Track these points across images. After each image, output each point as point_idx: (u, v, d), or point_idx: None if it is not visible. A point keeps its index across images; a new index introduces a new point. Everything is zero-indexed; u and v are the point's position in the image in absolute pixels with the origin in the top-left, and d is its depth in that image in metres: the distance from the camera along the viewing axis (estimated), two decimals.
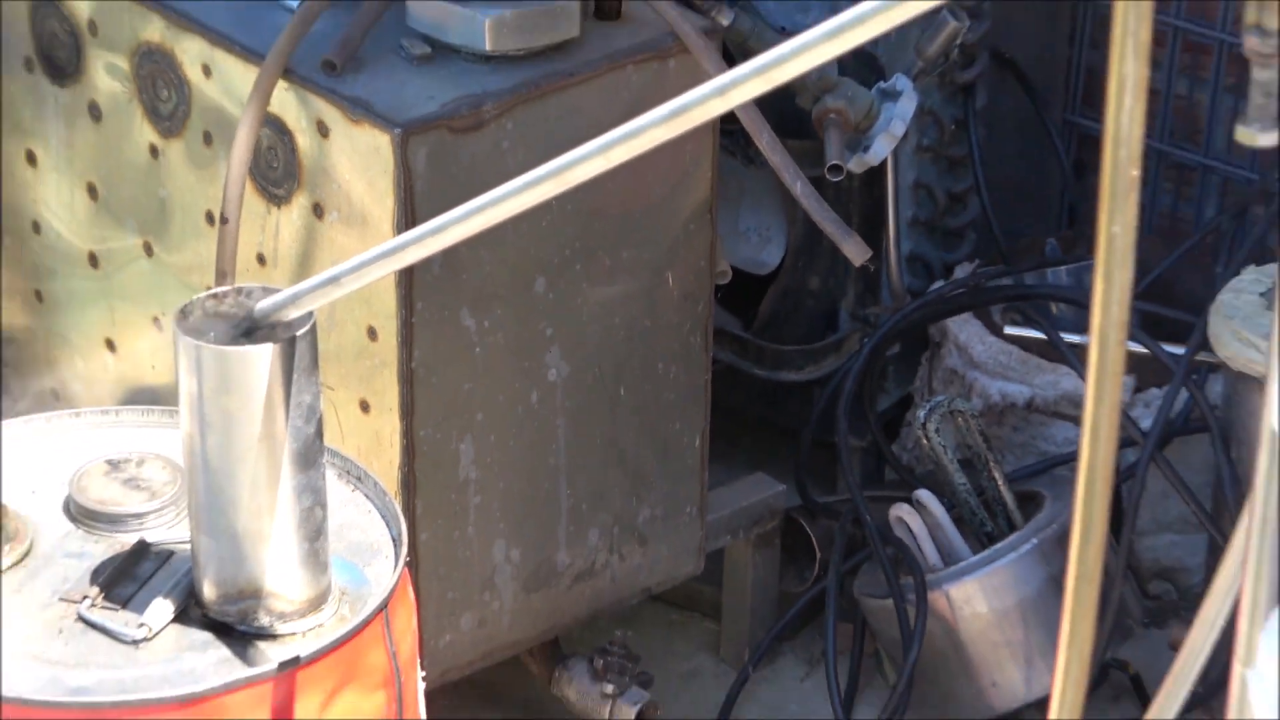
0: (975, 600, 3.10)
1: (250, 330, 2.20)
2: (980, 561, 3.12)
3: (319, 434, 2.28)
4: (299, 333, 2.20)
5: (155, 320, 2.89)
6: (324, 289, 2.18)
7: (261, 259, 2.80)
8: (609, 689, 2.99)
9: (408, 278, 2.69)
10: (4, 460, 2.43)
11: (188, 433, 2.25)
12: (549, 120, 2.69)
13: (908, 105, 3.01)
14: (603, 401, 2.93)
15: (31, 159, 3.07)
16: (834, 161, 2.94)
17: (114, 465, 2.48)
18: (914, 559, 3.13)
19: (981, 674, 3.13)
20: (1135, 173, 1.54)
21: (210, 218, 2.82)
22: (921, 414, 3.20)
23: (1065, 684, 1.76)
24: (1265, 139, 1.57)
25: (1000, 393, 3.29)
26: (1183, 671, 1.85)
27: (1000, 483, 3.18)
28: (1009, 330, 3.31)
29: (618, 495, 2.99)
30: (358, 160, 2.71)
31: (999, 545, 3.12)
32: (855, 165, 2.97)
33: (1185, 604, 3.30)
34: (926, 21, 3.08)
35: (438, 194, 2.60)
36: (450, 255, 2.55)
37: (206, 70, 2.85)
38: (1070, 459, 3.11)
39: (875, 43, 2.87)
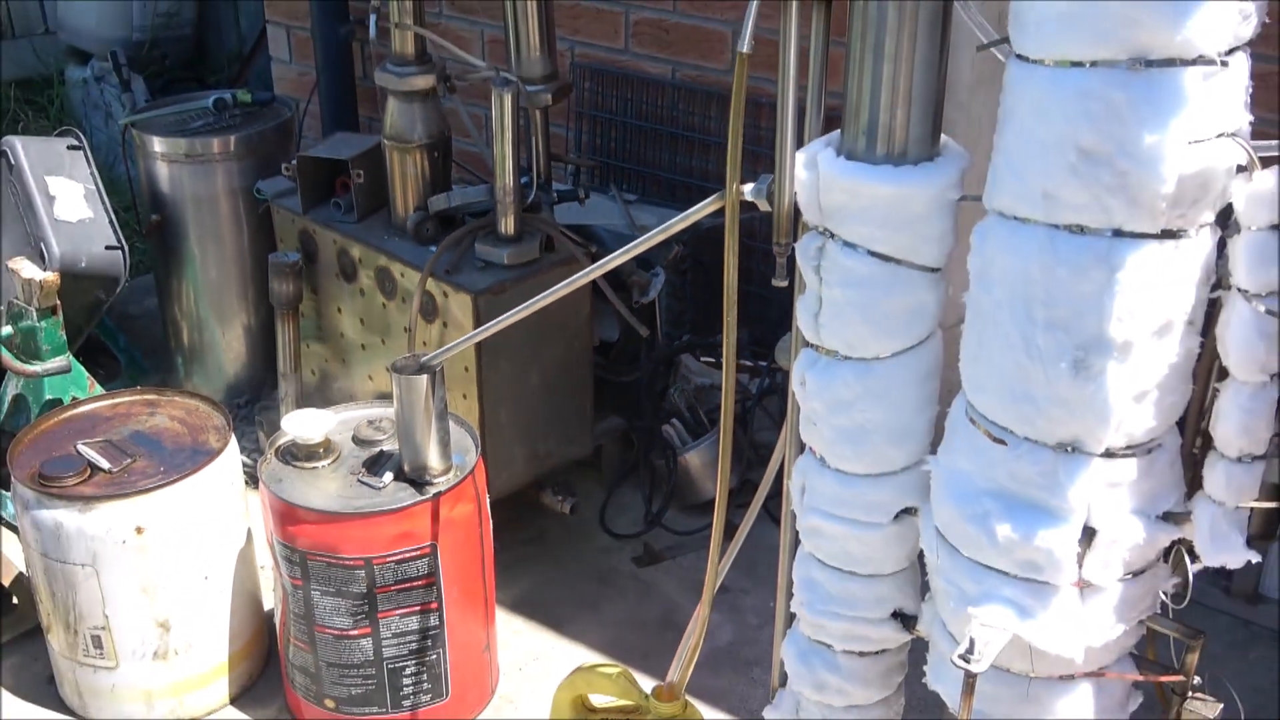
0: (694, 458, 3.02)
1: (420, 369, 2.17)
2: (695, 444, 3.03)
3: (445, 406, 2.25)
4: (437, 370, 2.18)
5: (386, 369, 2.85)
6: (446, 352, 2.16)
7: (424, 344, 2.74)
8: (560, 498, 2.92)
9: (479, 348, 2.61)
10: (330, 423, 2.40)
11: (396, 409, 2.23)
12: (528, 289, 2.64)
13: (661, 278, 2.98)
14: (551, 391, 2.84)
15: (339, 310, 2.99)
16: (637, 299, 2.92)
17: (371, 422, 2.44)
18: (673, 444, 3.07)
19: (698, 486, 3.06)
20: (734, 299, 1.53)
21: (406, 330, 2.73)
22: (673, 391, 3.13)
23: (723, 487, 1.75)
24: (783, 284, 1.55)
25: (699, 383, 3.23)
26: (768, 478, 1.84)
27: (702, 415, 3.11)
28: (703, 359, 3.27)
29: (559, 426, 2.90)
30: (460, 306, 2.64)
31: (700, 438, 3.05)
32: (644, 300, 2.94)
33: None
34: (667, 244, 3.06)
35: (488, 315, 2.53)
36: (496, 338, 2.51)
37: (402, 274, 2.76)
38: None
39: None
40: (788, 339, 3.00)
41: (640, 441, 3.19)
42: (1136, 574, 1.42)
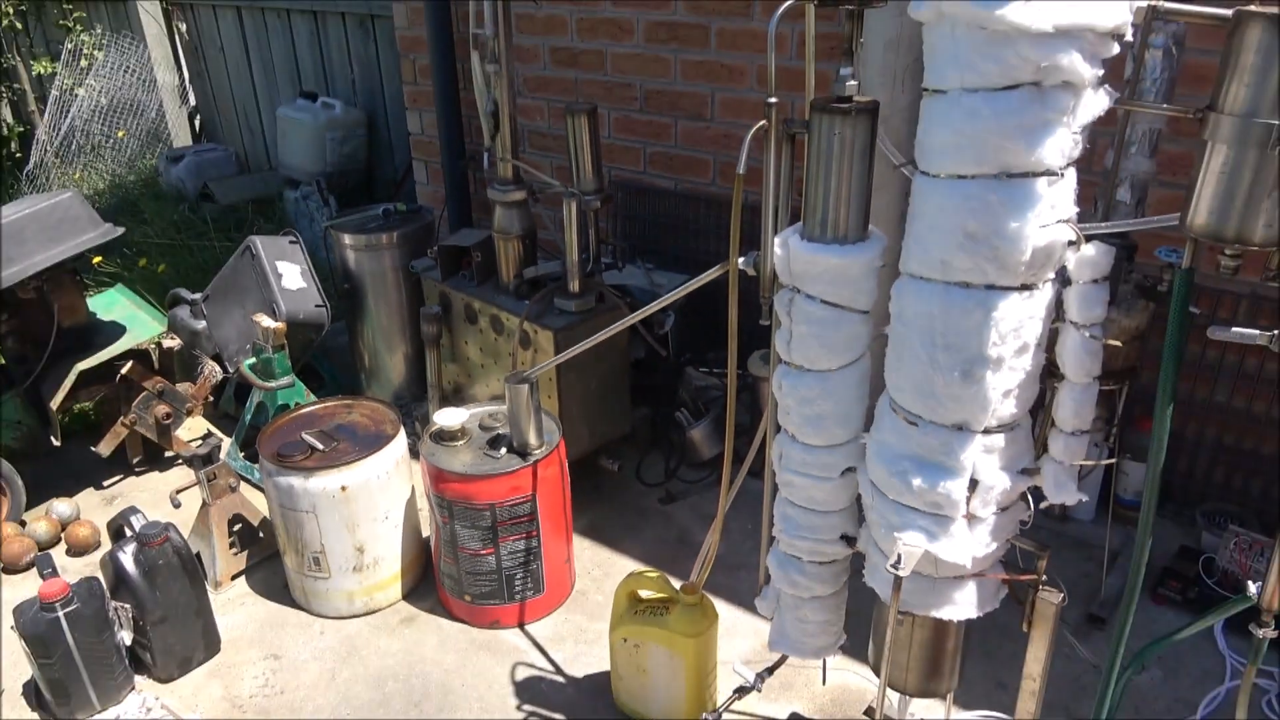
0: (696, 433, 2.91)
1: (523, 380, 2.12)
2: (697, 424, 2.91)
3: (539, 404, 2.19)
4: (533, 381, 2.12)
5: (500, 381, 2.78)
6: (538, 370, 2.10)
7: (523, 364, 2.66)
8: (610, 461, 2.84)
9: (558, 371, 2.57)
10: (464, 416, 2.33)
11: (507, 407, 2.17)
12: (589, 327, 2.58)
13: (672, 318, 2.90)
14: (604, 392, 2.76)
15: (466, 343, 2.93)
16: (657, 331, 2.84)
17: (491, 415, 2.38)
18: (683, 424, 2.95)
19: (699, 451, 2.94)
20: (735, 330, 1.46)
21: (511, 355, 2.67)
22: (681, 390, 3.01)
23: (728, 451, 1.69)
24: (766, 323, 1.49)
25: (697, 385, 3.08)
26: (754, 448, 1.78)
27: (700, 405, 2.98)
28: (700, 369, 3.16)
29: (609, 415, 2.80)
30: (545, 339, 2.57)
31: (699, 420, 2.93)
32: (662, 331, 2.86)
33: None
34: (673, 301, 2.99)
35: (564, 345, 2.48)
36: (569, 364, 2.45)
37: (507, 319, 2.69)
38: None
39: None
40: (757, 354, 2.97)
41: (661, 423, 3.15)
42: (1004, 509, 1.38)
